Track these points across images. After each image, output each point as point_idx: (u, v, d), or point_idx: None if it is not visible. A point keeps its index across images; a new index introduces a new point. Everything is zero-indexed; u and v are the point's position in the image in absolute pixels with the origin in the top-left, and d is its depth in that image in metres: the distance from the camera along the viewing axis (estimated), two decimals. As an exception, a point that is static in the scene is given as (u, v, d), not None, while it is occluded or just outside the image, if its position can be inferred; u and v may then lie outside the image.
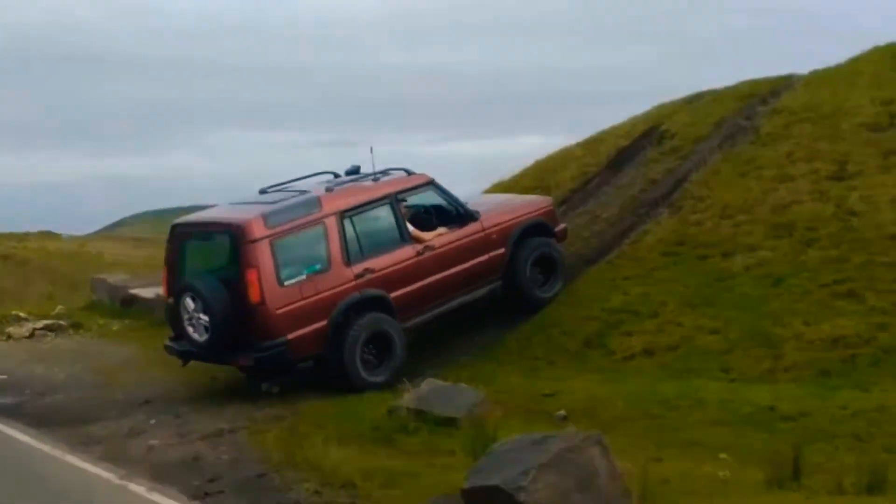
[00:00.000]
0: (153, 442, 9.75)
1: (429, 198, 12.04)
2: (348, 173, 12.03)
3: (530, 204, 12.93)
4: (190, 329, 10.83)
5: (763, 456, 7.39)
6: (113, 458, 9.34)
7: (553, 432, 7.03)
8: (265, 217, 10.66)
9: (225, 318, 10.53)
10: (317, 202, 11.01)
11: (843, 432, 8.12)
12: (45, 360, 14.13)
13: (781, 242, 11.68)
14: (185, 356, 11.36)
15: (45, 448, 9.88)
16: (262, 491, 8.00)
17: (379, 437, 9.13)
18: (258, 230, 10.53)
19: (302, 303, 10.64)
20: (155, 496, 8.13)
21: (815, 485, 6.86)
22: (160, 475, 8.63)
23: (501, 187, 16.84)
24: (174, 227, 11.55)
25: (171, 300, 11.26)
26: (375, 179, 11.64)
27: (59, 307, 17.92)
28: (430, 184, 11.93)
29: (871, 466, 6.68)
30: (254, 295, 10.42)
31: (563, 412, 9.37)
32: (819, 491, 6.76)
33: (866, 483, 6.60)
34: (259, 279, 10.40)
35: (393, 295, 11.18)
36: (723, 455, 7.96)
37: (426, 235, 11.66)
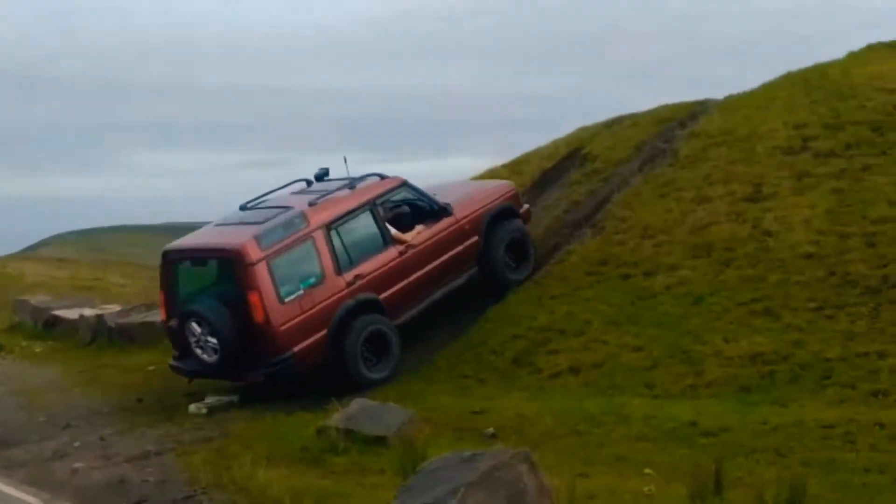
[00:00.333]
0: (77, 465, 9.60)
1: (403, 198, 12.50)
2: (317, 178, 12.47)
3: (496, 190, 13.45)
4: (198, 351, 11.27)
5: (686, 471, 7.54)
6: (36, 481, 9.19)
7: (482, 450, 7.12)
8: (258, 239, 11.04)
9: (232, 340, 10.99)
10: (303, 217, 11.44)
11: (763, 447, 8.33)
12: (-36, 383, 13.78)
13: (700, 262, 12.00)
14: (193, 375, 11.75)
15: (-35, 473, 9.66)
16: (190, 513, 7.94)
17: (308, 458, 9.12)
18: (254, 253, 10.93)
19: (302, 316, 11.15)
20: (81, 520, 8.02)
21: (737, 499, 7.02)
22: (85, 499, 8.52)
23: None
24: (166, 252, 11.77)
25: (171, 322, 11.63)
26: (351, 186, 12.04)
27: (-21, 329, 17.51)
28: (404, 185, 12.44)
29: (790, 480, 6.84)
30: (258, 316, 10.89)
31: (491, 430, 9.47)
32: (740, 504, 6.94)
33: (786, 497, 6.74)
34: (261, 300, 10.86)
35: (383, 296, 11.74)
36: (647, 470, 8.10)
37: (406, 236, 12.17)
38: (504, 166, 17.72)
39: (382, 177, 12.41)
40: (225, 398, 11.63)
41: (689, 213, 12.96)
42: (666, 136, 15.48)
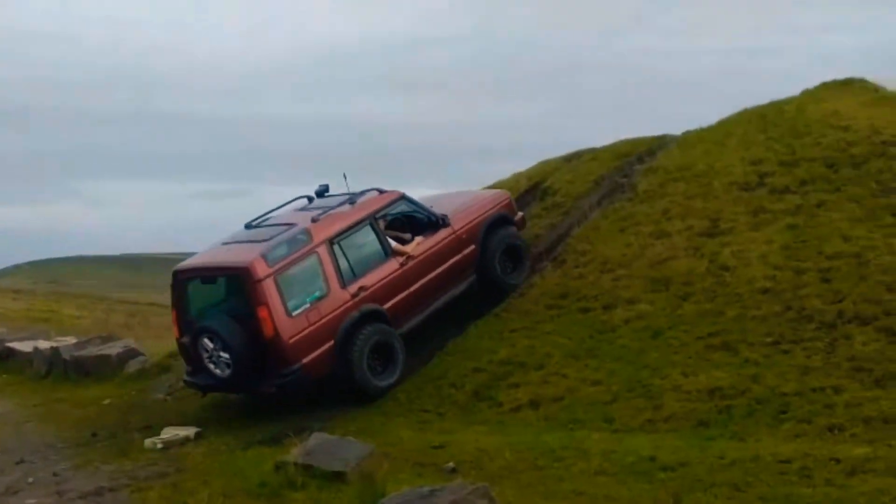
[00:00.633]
0: (30, 501, 9.43)
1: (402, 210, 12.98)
2: (318, 194, 12.93)
3: (491, 200, 13.91)
4: (211, 366, 11.58)
5: (645, 505, 7.58)
6: (-13, 519, 8.99)
7: (441, 485, 7.10)
8: (265, 256, 11.42)
9: (244, 354, 11.34)
10: (307, 233, 11.83)
11: (720, 481, 8.36)
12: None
13: (659, 296, 12.10)
14: (206, 389, 12.18)
15: (-87, 510, 9.45)
16: (146, 551, 7.81)
17: (266, 493, 9.00)
18: (262, 270, 11.32)
19: (310, 329, 11.51)
20: (33, 558, 7.86)
21: (695, 532, 7.07)
22: (38, 536, 8.34)
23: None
24: (176, 272, 12.10)
25: (184, 339, 11.93)
26: (352, 202, 12.46)
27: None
28: (402, 198, 12.88)
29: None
30: (268, 330, 11.26)
31: (451, 464, 9.42)
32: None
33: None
34: (270, 314, 11.23)
35: (386, 306, 12.15)
36: (607, 505, 8.12)
37: (406, 248, 12.57)
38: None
39: (381, 191, 12.83)
40: (181, 433, 11.50)
41: (648, 247, 13.09)
42: (625, 170, 15.66)
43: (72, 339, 17.00)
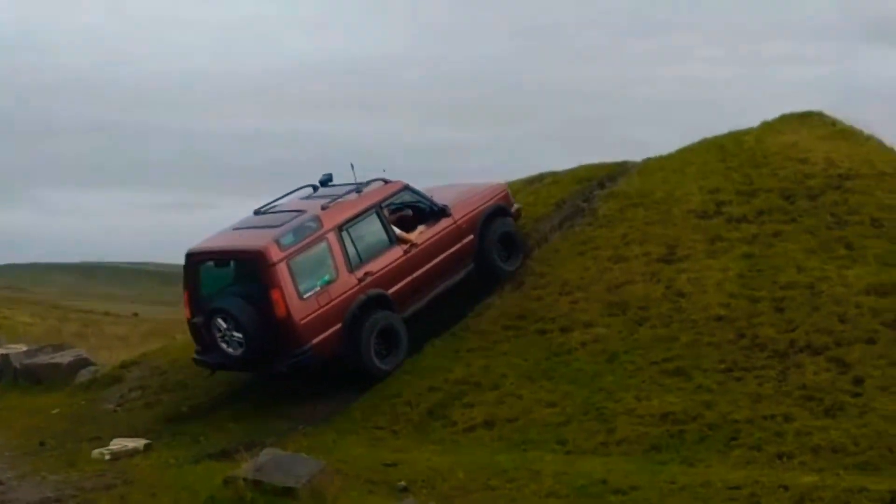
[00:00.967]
0: (-28, 511, 9.24)
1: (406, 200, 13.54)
2: (322, 183, 13.38)
3: (490, 191, 14.35)
4: (224, 345, 11.95)
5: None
6: (-73, 528, 8.80)
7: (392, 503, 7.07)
8: (278, 241, 11.89)
9: (257, 334, 11.72)
10: (317, 220, 12.30)
11: (670, 506, 8.43)
12: None
13: (616, 320, 12.18)
14: (216, 367, 12.54)
15: None
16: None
17: (215, 508, 8.92)
18: (275, 254, 11.78)
19: (320, 311, 11.97)
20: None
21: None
22: (-21, 546, 8.18)
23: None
24: (189, 255, 12.47)
25: (195, 319, 12.29)
26: (358, 191, 12.93)
27: None
28: (406, 188, 13.40)
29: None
30: (280, 311, 11.69)
31: (403, 483, 9.39)
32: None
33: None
34: (283, 297, 11.69)
35: (390, 291, 12.63)
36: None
37: (410, 235, 13.07)
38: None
39: (386, 181, 13.27)
40: (130, 444, 11.36)
41: (606, 271, 13.18)
42: (586, 194, 15.75)
43: (23, 347, 16.74)
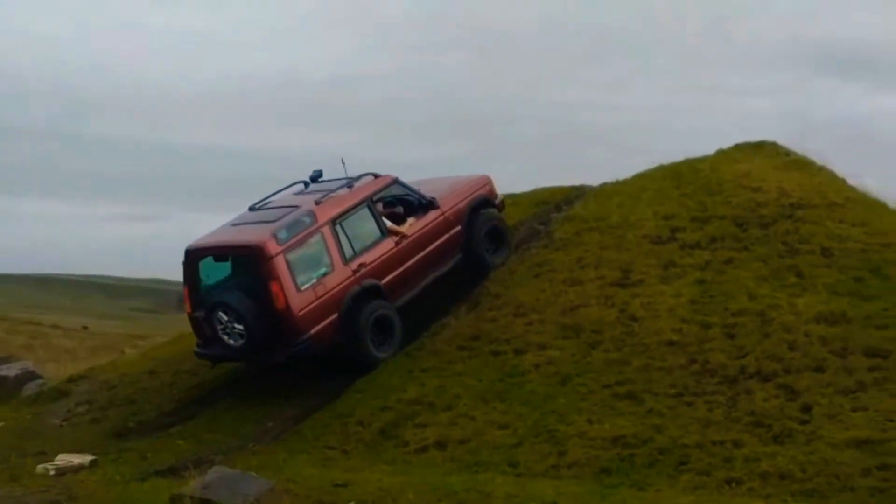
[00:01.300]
0: None
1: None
2: (313, 179, 13.78)
3: (475, 183, 14.79)
4: (225, 337, 12.36)
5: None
6: None
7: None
8: (275, 235, 12.29)
9: (257, 325, 12.16)
10: (312, 215, 12.70)
11: (618, 530, 8.44)
12: None
13: (569, 343, 12.22)
14: (217, 359, 13.01)
15: None
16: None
17: (160, 526, 8.80)
18: (273, 248, 12.19)
19: (317, 302, 12.40)
20: None
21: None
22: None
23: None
24: (189, 251, 12.78)
25: (196, 313, 12.66)
26: (349, 185, 13.34)
27: None
28: (396, 182, 13.82)
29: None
30: (279, 303, 12.12)
31: (353, 503, 9.33)
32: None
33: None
34: (282, 289, 12.10)
35: (383, 282, 13.08)
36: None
37: (400, 228, 13.49)
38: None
39: (376, 175, 13.69)
40: (76, 460, 11.17)
41: (561, 294, 13.23)
42: (542, 217, 15.84)
43: (-32, 359, 16.44)
